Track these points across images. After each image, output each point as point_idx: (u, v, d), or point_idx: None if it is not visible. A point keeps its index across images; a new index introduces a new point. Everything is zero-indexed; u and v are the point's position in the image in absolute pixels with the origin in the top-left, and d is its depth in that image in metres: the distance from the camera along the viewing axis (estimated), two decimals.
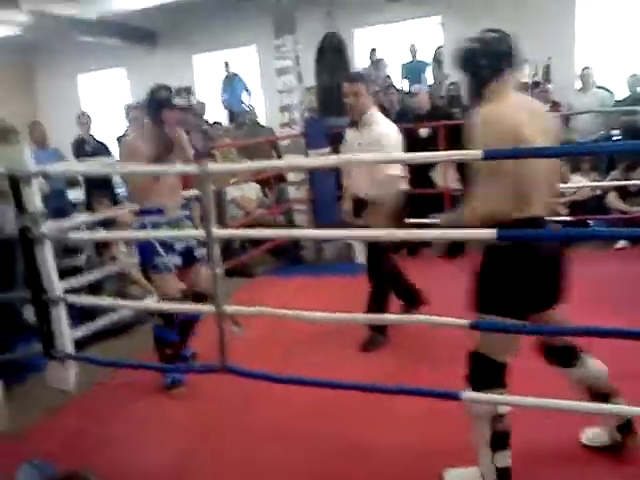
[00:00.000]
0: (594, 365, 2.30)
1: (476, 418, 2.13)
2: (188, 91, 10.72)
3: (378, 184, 3.52)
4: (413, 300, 3.98)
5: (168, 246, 3.20)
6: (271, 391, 2.94)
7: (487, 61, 2.11)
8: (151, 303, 3.69)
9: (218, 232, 2.65)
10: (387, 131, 3.60)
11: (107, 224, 4.56)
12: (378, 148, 3.43)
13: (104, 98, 12.54)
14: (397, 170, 3.51)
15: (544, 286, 2.12)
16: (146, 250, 3.21)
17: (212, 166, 2.61)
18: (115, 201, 5.70)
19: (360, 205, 3.74)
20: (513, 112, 2.04)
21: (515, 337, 2.13)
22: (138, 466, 2.61)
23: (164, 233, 3.17)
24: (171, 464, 2.63)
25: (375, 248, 3.69)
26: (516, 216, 2.02)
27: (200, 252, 3.34)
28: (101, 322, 3.76)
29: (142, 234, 3.26)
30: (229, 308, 2.56)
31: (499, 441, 2.11)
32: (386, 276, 3.79)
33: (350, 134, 3.78)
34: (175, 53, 11.36)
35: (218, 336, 2.50)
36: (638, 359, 2.81)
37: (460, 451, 2.30)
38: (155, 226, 3.20)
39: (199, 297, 3.27)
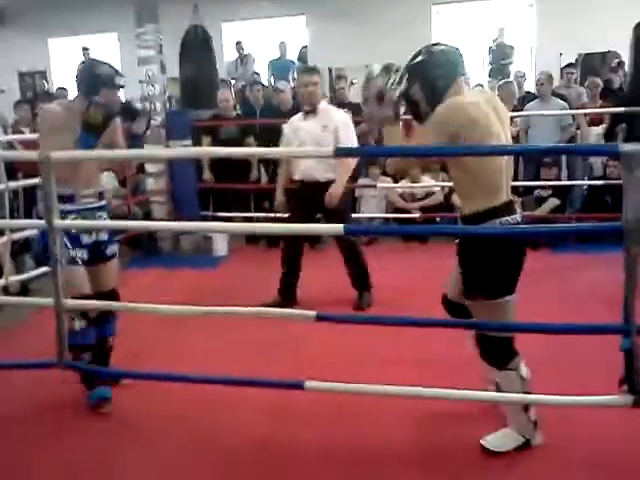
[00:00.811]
0: (523, 369, 2.40)
1: (505, 386, 2.30)
2: (42, 76, 10.14)
3: (334, 167, 3.96)
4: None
5: (74, 238, 2.86)
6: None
7: (441, 71, 2.30)
8: None
9: (60, 222, 2.53)
10: (346, 116, 4.22)
11: None
12: (345, 131, 4.00)
13: None
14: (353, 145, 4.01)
15: (517, 269, 2.29)
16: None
17: (55, 153, 2.48)
18: None
19: (310, 190, 4.02)
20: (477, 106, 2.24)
21: (509, 311, 2.29)
22: None
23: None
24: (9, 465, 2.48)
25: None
26: (493, 204, 2.24)
27: (112, 249, 3.06)
28: None
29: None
30: (68, 302, 2.46)
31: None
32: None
33: (304, 122, 4.13)
34: (28, 35, 10.60)
35: (56, 330, 2.40)
36: None
37: None
38: (63, 214, 2.76)
39: (105, 298, 2.91)
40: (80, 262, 2.89)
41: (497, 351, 2.31)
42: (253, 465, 2.40)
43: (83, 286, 2.83)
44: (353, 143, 4.08)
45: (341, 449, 2.47)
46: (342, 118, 4.17)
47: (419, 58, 2.34)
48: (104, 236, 3.02)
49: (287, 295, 4.19)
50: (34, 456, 2.52)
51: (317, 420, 2.67)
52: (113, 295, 3.00)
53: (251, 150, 2.58)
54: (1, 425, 2.78)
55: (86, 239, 2.94)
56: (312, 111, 4.11)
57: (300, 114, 4.26)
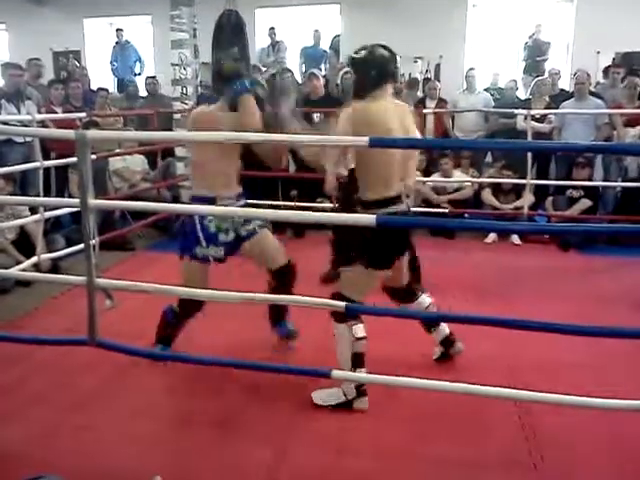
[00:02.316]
0: (425, 299, 2.95)
1: (339, 342, 2.62)
2: (76, 56, 10.20)
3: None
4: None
5: (210, 237, 2.94)
6: (145, 367, 2.90)
7: (376, 73, 2.61)
8: (16, 272, 3.49)
9: (94, 202, 2.55)
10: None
11: None
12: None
13: None
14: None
15: (393, 246, 2.68)
16: (189, 237, 2.97)
17: (90, 132, 2.50)
18: None
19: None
20: (380, 111, 2.57)
21: (368, 282, 2.69)
22: (1, 438, 2.49)
23: None
24: (36, 434, 2.52)
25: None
26: (382, 196, 2.60)
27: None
28: None
29: None
30: (101, 281, 2.48)
31: (357, 360, 2.61)
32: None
33: None
34: (64, 14, 10.65)
35: (87, 309, 2.42)
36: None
37: None
38: (202, 217, 2.91)
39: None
40: (212, 259, 2.97)
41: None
42: None
43: (203, 285, 2.85)
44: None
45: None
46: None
47: (362, 53, 2.64)
48: (243, 232, 3.02)
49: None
50: None
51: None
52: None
53: (283, 137, 2.55)
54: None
55: (223, 237, 2.97)
56: None
57: None
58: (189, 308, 3.04)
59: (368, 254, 2.62)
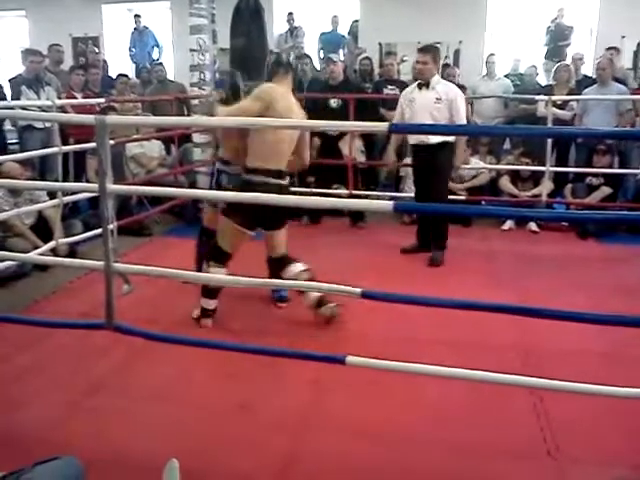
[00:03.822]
0: (298, 266, 3.37)
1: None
2: (95, 42, 10.23)
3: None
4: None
5: None
6: (161, 351, 2.93)
7: (283, 67, 3.44)
8: (34, 256, 3.53)
9: (112, 187, 2.56)
10: (459, 91, 4.66)
11: None
12: (458, 104, 4.48)
13: None
14: (464, 117, 4.57)
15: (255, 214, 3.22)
16: None
17: (109, 117, 2.51)
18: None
19: (423, 153, 4.59)
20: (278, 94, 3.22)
21: (234, 236, 3.32)
22: (17, 420, 2.53)
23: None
24: (52, 417, 2.56)
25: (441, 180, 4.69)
26: (267, 167, 3.21)
27: None
28: None
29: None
30: (118, 265, 2.50)
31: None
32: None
33: (419, 94, 4.60)
34: (83, 0, 10.69)
35: (105, 293, 2.44)
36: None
37: None
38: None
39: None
40: None
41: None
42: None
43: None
44: (464, 116, 4.58)
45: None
46: (456, 92, 4.58)
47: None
48: None
49: (424, 243, 4.77)
50: None
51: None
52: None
53: (300, 122, 2.55)
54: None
55: None
56: (426, 84, 4.56)
57: (414, 85, 4.74)
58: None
59: (237, 212, 3.23)
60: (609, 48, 7.10)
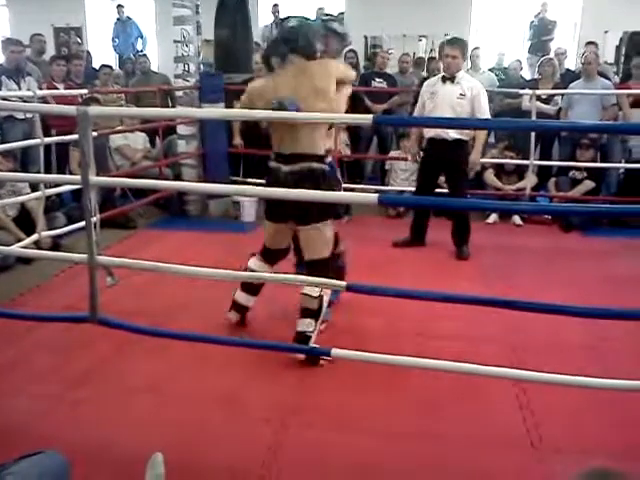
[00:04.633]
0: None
1: None
2: (77, 32, 10.11)
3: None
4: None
5: None
6: (146, 344, 2.91)
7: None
8: (17, 249, 3.49)
9: (95, 179, 2.53)
10: (482, 87, 4.58)
11: None
12: (481, 100, 4.45)
13: None
14: (487, 113, 4.53)
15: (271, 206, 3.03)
16: None
17: (91, 108, 2.47)
18: None
19: (439, 147, 4.54)
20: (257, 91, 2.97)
21: (267, 230, 3.15)
22: (0, 414, 2.51)
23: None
24: (36, 410, 2.54)
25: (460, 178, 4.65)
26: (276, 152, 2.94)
27: None
28: None
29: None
30: (102, 258, 2.48)
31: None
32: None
33: (443, 88, 4.54)
34: None
35: (89, 286, 2.42)
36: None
37: None
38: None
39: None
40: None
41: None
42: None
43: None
44: (487, 112, 4.53)
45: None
46: (480, 88, 4.52)
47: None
48: None
49: (418, 237, 4.81)
50: None
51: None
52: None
53: (283, 114, 2.52)
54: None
55: None
56: (451, 78, 4.51)
57: (438, 77, 4.67)
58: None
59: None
60: (588, 43, 7.16)
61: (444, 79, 4.57)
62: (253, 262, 3.17)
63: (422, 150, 4.83)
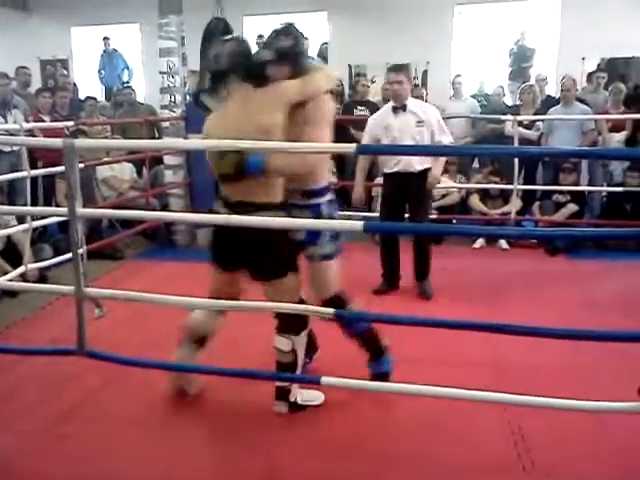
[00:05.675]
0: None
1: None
2: (64, 64, 10.17)
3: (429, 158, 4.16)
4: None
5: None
6: (135, 376, 2.89)
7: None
8: (3, 282, 3.47)
9: (81, 210, 2.55)
10: (438, 112, 4.34)
11: None
12: (441, 126, 4.17)
13: None
14: (450, 139, 4.26)
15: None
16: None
17: (78, 141, 2.49)
18: None
19: (404, 180, 4.22)
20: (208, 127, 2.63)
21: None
22: None
23: None
24: (21, 446, 2.50)
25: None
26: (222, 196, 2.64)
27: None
28: None
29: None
30: (89, 290, 2.47)
31: None
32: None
33: (396, 119, 4.17)
34: (52, 22, 10.62)
35: (76, 318, 2.41)
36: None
37: None
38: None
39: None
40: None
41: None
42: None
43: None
44: (448, 132, 4.27)
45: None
46: (435, 111, 4.29)
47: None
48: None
49: (391, 281, 4.48)
50: None
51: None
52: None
53: (270, 145, 2.48)
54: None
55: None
56: (402, 107, 4.15)
57: (386, 109, 4.29)
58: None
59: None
60: (598, 70, 7.38)
61: (395, 109, 4.18)
62: (195, 314, 2.80)
63: (382, 186, 4.53)
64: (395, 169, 4.26)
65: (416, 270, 4.41)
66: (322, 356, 3.19)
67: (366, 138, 4.35)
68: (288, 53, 2.52)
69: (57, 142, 2.42)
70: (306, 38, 2.69)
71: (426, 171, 4.23)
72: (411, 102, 4.19)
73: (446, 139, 4.20)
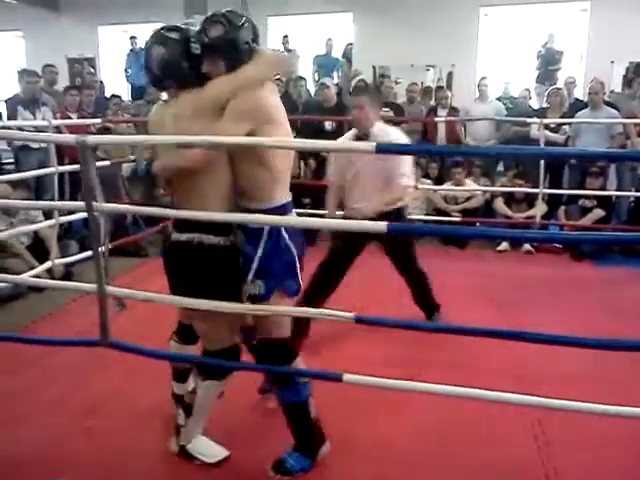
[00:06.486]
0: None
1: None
2: (91, 63, 10.28)
3: (389, 197, 3.38)
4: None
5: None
6: (159, 369, 2.91)
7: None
8: (29, 279, 3.51)
9: (100, 206, 2.53)
10: (403, 138, 3.49)
11: None
12: (396, 160, 3.33)
13: None
14: (411, 181, 3.51)
15: None
16: (284, 265, 2.25)
17: (90, 138, 2.47)
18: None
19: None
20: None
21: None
22: (13, 441, 2.51)
23: None
24: (48, 438, 2.54)
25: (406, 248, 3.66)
26: None
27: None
28: None
29: None
30: (111, 288, 2.48)
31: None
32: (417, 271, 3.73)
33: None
34: (80, 21, 10.80)
35: (99, 313, 2.43)
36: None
37: None
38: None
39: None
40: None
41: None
42: None
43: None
44: (409, 168, 3.50)
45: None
46: (399, 140, 3.43)
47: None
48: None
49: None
50: None
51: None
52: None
53: (283, 141, 2.32)
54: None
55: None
56: (365, 136, 3.41)
57: (349, 136, 3.62)
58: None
59: None
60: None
61: (358, 139, 3.45)
62: (172, 345, 2.63)
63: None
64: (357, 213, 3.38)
65: (420, 309, 3.81)
66: (345, 355, 3.18)
67: (331, 168, 3.88)
68: (217, 44, 2.10)
69: (70, 138, 2.43)
70: (244, 22, 2.14)
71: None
72: (376, 129, 3.43)
73: (400, 177, 3.39)
